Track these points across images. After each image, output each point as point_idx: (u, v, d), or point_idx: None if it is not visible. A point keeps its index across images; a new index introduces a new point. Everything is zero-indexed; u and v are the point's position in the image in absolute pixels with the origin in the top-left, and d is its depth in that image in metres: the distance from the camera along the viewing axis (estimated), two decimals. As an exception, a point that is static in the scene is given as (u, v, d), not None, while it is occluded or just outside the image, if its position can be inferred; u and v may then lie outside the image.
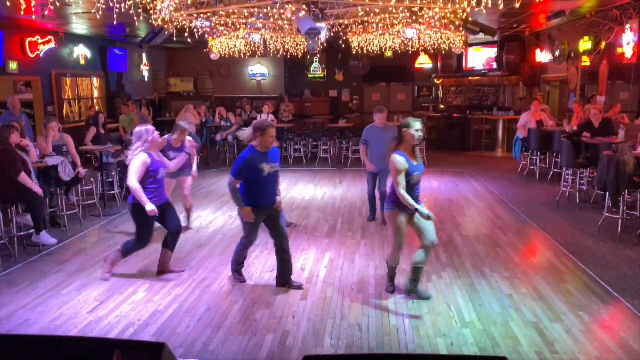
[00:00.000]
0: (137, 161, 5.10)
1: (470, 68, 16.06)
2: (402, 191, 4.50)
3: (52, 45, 12.13)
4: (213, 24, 8.84)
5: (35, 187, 6.32)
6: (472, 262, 5.81)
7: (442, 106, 16.84)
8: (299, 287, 5.13)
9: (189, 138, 6.46)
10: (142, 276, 5.52)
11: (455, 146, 14.58)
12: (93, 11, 6.22)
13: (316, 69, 18.22)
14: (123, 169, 8.85)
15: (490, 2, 6.47)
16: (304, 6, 7.35)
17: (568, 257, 5.95)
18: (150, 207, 5.00)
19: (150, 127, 5.32)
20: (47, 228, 6.76)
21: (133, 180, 5.05)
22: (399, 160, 4.52)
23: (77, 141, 8.35)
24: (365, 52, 12.26)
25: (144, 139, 5.18)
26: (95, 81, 14.51)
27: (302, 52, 12.40)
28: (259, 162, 4.83)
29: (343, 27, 10.05)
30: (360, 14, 8.60)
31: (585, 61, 10.96)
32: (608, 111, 9.61)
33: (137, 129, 5.31)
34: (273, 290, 5.13)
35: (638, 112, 10.21)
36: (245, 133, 5.07)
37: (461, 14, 8.00)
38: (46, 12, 8.34)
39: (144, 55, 16.44)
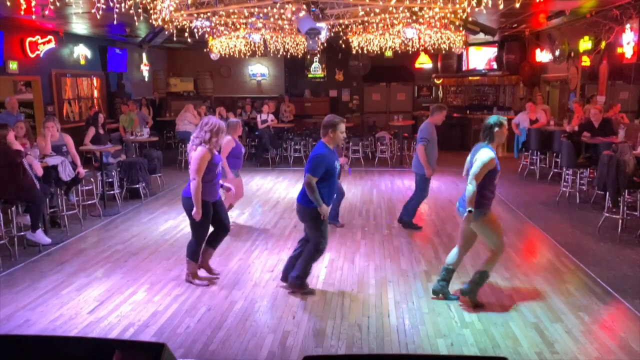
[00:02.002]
0: (200, 155, 4.85)
1: (470, 69, 16.05)
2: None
3: (52, 45, 12.12)
4: (213, 24, 8.81)
5: (37, 170, 6.37)
6: (472, 262, 5.80)
7: (442, 106, 16.82)
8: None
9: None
10: (142, 276, 5.53)
11: (455, 146, 14.56)
12: (93, 11, 6.21)
13: (316, 69, 18.19)
14: (123, 169, 8.88)
15: (490, 2, 6.46)
16: (304, 6, 7.33)
17: (568, 257, 5.95)
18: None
19: (224, 126, 5.03)
20: (45, 227, 6.75)
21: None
22: (492, 154, 4.47)
23: (77, 141, 8.34)
24: (365, 52, 12.24)
25: (219, 136, 4.95)
26: (95, 81, 14.49)
27: (302, 52, 12.37)
28: (332, 159, 4.78)
29: (343, 27, 10.03)
30: (360, 13, 8.58)
31: (585, 61, 10.96)
32: (608, 111, 9.61)
33: (217, 121, 4.97)
34: (273, 290, 5.14)
35: (638, 112, 10.22)
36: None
37: (461, 14, 7.99)
38: (46, 12, 8.32)
39: (144, 55, 16.43)
